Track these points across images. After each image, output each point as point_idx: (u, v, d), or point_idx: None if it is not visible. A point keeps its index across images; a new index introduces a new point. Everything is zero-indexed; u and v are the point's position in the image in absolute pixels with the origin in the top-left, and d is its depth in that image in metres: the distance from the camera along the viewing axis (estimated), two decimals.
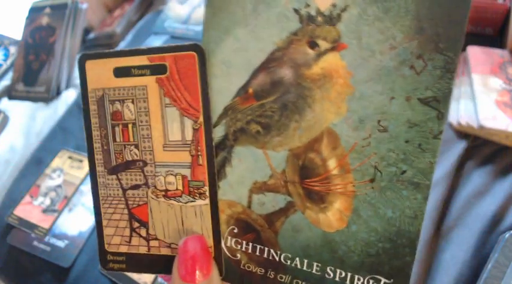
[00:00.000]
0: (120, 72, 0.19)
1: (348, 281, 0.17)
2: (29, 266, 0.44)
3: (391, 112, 0.16)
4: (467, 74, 0.44)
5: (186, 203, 0.19)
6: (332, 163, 0.17)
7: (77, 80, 0.66)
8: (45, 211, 0.47)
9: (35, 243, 0.44)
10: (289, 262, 0.17)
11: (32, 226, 0.46)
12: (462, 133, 0.41)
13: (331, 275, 0.17)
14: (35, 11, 0.71)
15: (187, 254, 0.17)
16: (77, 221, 0.45)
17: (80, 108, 0.60)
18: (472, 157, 0.40)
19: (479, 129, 0.39)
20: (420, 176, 0.16)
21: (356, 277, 0.17)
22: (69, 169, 0.50)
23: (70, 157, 0.52)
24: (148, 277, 0.40)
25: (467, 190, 0.38)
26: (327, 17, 0.16)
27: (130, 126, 0.19)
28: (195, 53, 0.18)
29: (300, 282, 0.17)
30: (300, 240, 0.17)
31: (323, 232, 0.17)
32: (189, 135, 0.18)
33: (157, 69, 0.19)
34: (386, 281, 0.16)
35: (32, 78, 0.66)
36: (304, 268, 0.17)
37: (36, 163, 0.53)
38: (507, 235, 0.32)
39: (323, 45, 0.16)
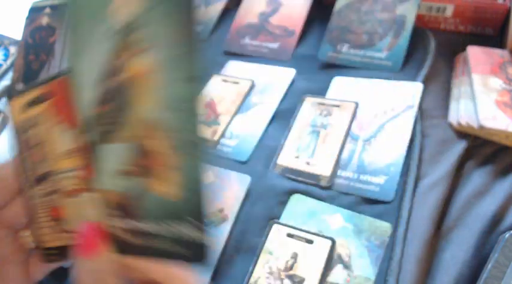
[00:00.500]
0: (30, 104, 0.25)
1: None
2: None
3: (186, 95, 0.19)
4: (467, 74, 0.44)
5: (86, 198, 0.24)
6: (161, 146, 0.20)
7: None
8: None
9: None
10: (149, 229, 0.22)
11: None
12: (462, 133, 0.42)
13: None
14: (35, 11, 0.71)
15: (82, 236, 0.22)
16: None
17: None
18: (472, 157, 0.40)
19: (479, 129, 0.39)
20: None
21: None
22: None
23: None
24: None
25: (467, 190, 0.38)
26: (128, 26, 0.20)
27: (40, 146, 0.25)
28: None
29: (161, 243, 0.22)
30: (155, 211, 0.21)
31: (169, 201, 0.21)
32: (79, 143, 0.24)
33: (51, 95, 0.24)
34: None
35: (32, 78, 0.66)
36: (163, 234, 0.21)
37: None
38: (507, 235, 0.32)
39: (130, 53, 0.20)
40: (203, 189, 0.20)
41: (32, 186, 0.26)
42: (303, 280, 0.35)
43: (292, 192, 0.41)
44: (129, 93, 0.21)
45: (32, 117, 0.25)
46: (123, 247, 0.23)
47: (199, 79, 0.19)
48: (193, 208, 0.20)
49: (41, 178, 0.26)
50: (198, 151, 0.20)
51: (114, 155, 0.22)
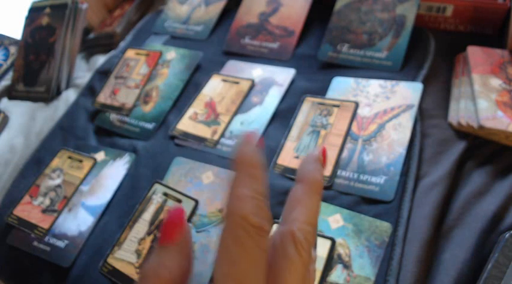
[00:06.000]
0: None
1: None
2: (29, 266, 0.44)
3: None
4: (467, 74, 0.44)
5: None
6: None
7: (76, 80, 0.66)
8: (44, 211, 0.47)
9: (35, 243, 0.44)
10: None
11: (32, 226, 0.46)
12: (462, 133, 0.41)
13: None
14: (35, 11, 0.71)
15: None
16: (77, 221, 0.45)
17: (80, 107, 0.60)
18: (472, 157, 0.40)
19: (479, 129, 0.39)
20: None
21: None
22: (68, 169, 0.50)
23: (70, 157, 0.52)
24: None
25: (467, 190, 0.38)
26: None
27: None
28: None
29: None
30: None
31: None
32: None
33: None
34: None
35: (32, 78, 0.66)
36: None
37: (36, 163, 0.53)
38: (507, 235, 0.32)
39: None
40: None
41: None
42: None
43: None
44: None
45: None
46: None
47: None
48: None
49: None
50: None
51: None
